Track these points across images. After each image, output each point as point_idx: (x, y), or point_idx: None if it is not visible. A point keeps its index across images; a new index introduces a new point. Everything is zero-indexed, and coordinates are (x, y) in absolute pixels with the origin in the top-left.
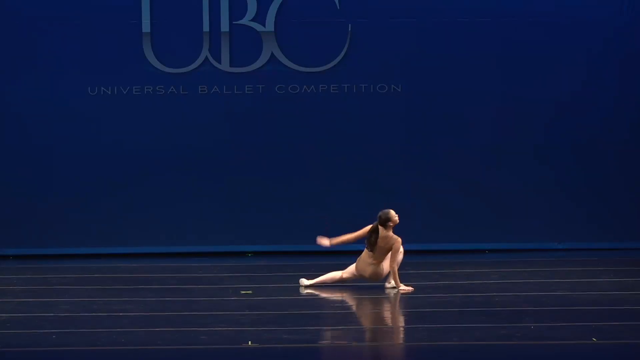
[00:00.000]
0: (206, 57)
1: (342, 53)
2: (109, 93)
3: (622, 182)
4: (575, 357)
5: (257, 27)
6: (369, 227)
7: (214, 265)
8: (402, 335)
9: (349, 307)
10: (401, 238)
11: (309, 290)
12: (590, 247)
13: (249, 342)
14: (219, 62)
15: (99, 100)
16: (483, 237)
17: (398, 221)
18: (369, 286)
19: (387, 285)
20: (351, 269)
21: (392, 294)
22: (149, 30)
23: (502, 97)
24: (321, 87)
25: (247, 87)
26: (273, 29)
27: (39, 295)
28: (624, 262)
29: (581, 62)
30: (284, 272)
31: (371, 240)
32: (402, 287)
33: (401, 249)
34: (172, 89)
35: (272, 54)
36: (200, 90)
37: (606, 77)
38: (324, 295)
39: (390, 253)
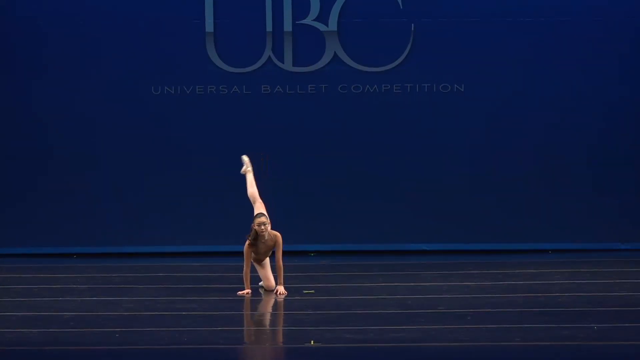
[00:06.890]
0: (269, 57)
1: (405, 53)
2: (172, 92)
3: None
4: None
5: (320, 26)
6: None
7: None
8: (463, 336)
9: (410, 306)
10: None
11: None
12: None
13: (312, 341)
14: (282, 61)
15: (162, 100)
16: (546, 237)
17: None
18: (433, 287)
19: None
20: None
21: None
22: (212, 30)
23: (570, 95)
24: (384, 86)
25: (310, 87)
26: (336, 29)
27: (101, 293)
28: None
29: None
30: (346, 272)
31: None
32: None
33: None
34: (235, 89)
35: (335, 54)
36: (263, 90)
37: None
38: (386, 295)
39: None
